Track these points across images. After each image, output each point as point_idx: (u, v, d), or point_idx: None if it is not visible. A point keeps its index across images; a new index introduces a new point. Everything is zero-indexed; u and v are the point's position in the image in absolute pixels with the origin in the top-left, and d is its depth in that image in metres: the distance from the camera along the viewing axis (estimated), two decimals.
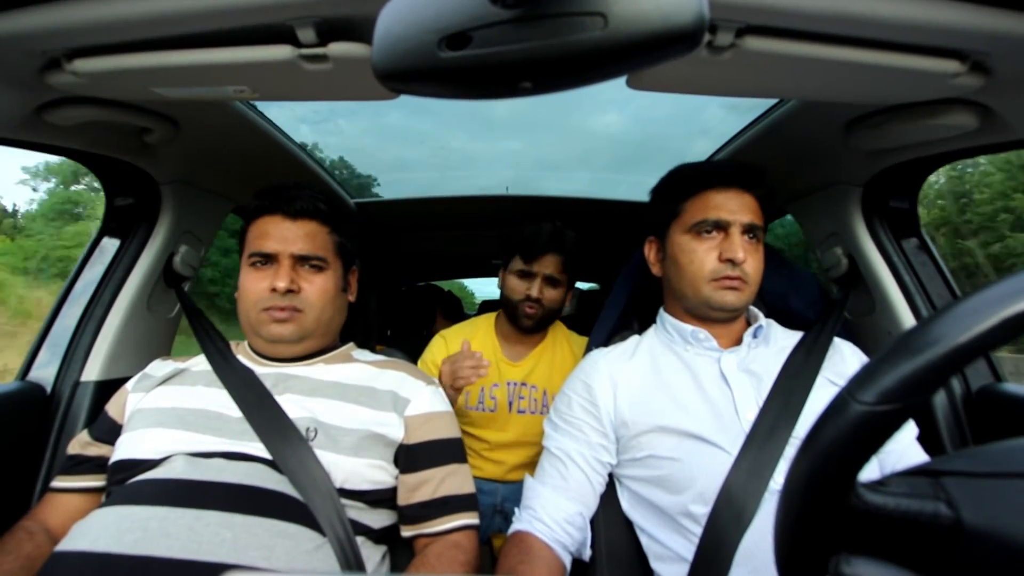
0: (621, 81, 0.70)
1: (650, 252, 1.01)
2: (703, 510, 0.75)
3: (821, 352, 0.87)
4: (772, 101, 1.07)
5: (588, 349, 1.12)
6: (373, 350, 1.05)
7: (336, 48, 0.62)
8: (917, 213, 1.14)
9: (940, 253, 1.13)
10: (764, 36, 0.61)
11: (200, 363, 0.92)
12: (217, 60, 0.65)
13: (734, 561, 0.70)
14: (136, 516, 0.66)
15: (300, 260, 0.89)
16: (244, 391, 0.84)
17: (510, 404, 1.37)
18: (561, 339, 1.47)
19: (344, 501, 0.77)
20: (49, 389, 1.04)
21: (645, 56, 0.33)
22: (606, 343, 1.06)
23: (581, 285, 3.35)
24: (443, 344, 1.44)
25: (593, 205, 1.94)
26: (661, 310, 1.01)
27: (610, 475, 0.91)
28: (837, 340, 0.92)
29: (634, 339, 1.00)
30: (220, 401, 0.83)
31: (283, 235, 0.89)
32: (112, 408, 0.90)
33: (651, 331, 1.01)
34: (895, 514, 0.31)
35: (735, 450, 0.77)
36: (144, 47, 0.65)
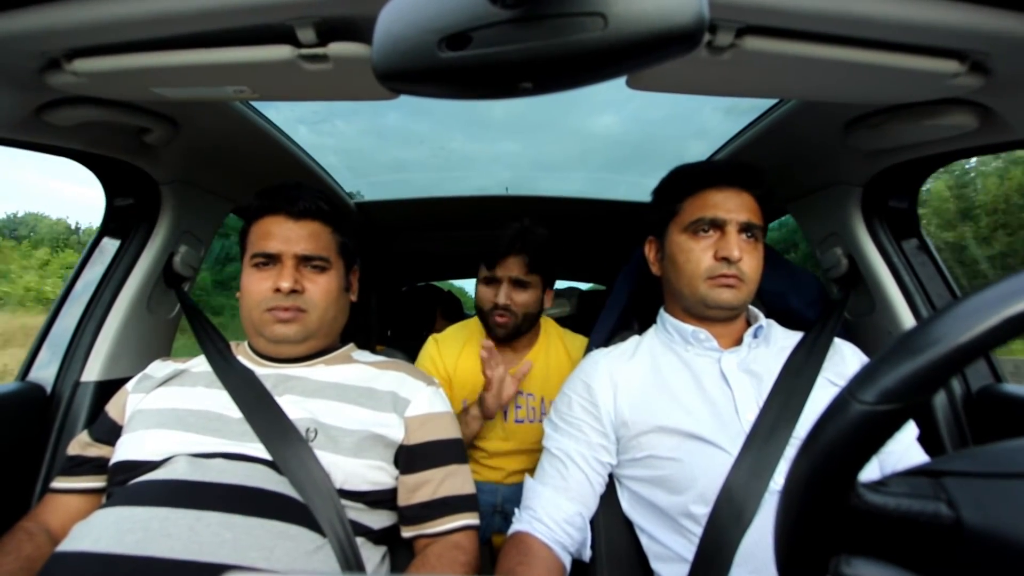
0: (619, 82, 0.70)
1: (650, 252, 1.01)
2: (703, 510, 0.75)
3: (821, 352, 0.87)
4: (771, 101, 1.07)
5: (588, 349, 1.12)
6: (373, 351, 1.05)
7: (336, 48, 0.62)
8: (917, 213, 1.14)
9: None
10: (764, 36, 0.61)
11: (200, 364, 0.92)
12: (217, 60, 0.65)
13: (734, 561, 0.70)
14: (137, 517, 0.66)
15: (303, 260, 0.89)
16: (244, 392, 0.84)
17: (506, 414, 1.33)
18: (555, 341, 1.42)
19: (344, 502, 0.77)
20: (49, 389, 1.04)
21: (645, 56, 0.33)
22: (606, 343, 1.06)
23: (581, 285, 3.35)
24: (435, 347, 1.41)
25: (591, 205, 1.94)
26: (661, 310, 1.01)
27: (610, 475, 0.91)
28: (837, 340, 0.92)
29: (634, 339, 1.00)
30: (220, 402, 0.83)
31: (286, 235, 0.88)
32: (112, 409, 0.89)
33: (651, 331, 1.01)
34: (895, 514, 0.31)
35: (735, 450, 0.77)
36: (144, 47, 0.65)
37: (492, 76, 0.34)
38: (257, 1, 0.56)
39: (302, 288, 0.88)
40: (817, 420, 0.33)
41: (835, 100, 0.78)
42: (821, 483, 0.32)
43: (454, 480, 0.87)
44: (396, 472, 0.86)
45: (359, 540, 0.77)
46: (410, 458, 0.86)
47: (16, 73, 0.69)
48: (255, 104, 1.09)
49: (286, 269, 0.87)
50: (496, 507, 1.33)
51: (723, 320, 0.91)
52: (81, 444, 0.87)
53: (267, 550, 0.66)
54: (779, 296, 1.10)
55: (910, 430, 0.85)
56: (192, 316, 1.13)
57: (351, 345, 1.02)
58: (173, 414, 0.82)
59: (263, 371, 0.89)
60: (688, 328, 0.92)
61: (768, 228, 0.97)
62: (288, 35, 0.61)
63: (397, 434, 0.86)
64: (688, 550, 0.76)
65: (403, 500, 0.84)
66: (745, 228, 0.87)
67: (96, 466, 0.84)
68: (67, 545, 0.65)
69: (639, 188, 1.90)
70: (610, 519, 0.89)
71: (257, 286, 0.88)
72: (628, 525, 0.88)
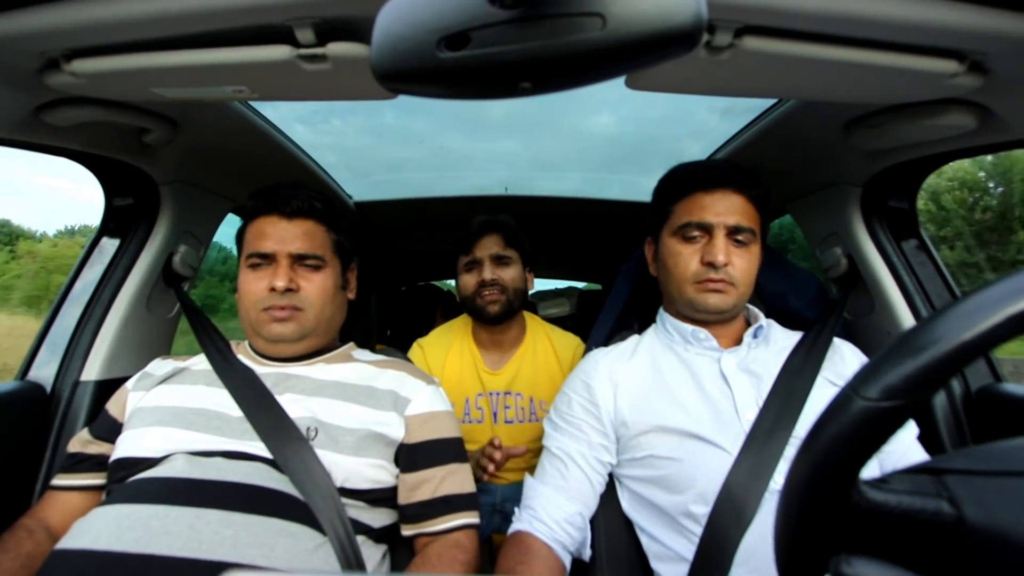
0: (616, 82, 0.70)
1: (648, 252, 1.01)
2: (703, 510, 0.75)
3: (821, 352, 0.87)
4: (770, 101, 1.07)
5: (588, 349, 1.12)
6: (373, 350, 1.05)
7: (335, 48, 0.62)
8: (916, 213, 1.14)
9: None
10: (763, 36, 0.61)
11: (200, 362, 0.92)
12: (216, 60, 0.65)
13: (734, 561, 0.70)
14: (137, 514, 0.66)
15: (298, 259, 0.89)
16: (244, 390, 0.84)
17: (495, 415, 1.33)
18: (541, 338, 1.41)
19: (344, 500, 0.77)
20: (49, 388, 1.04)
21: (644, 56, 0.33)
22: (606, 343, 1.06)
23: (580, 285, 3.35)
24: (420, 353, 1.40)
25: (590, 205, 1.94)
26: (661, 310, 1.01)
27: (610, 475, 0.91)
28: (837, 340, 0.92)
29: (634, 339, 1.00)
30: (220, 400, 0.83)
31: (280, 235, 0.89)
32: (112, 407, 0.90)
33: (651, 331, 1.01)
34: (897, 512, 0.31)
35: (735, 450, 0.77)
36: (143, 47, 0.64)
37: (491, 76, 0.34)
38: (256, 1, 0.56)
39: (297, 287, 0.88)
40: (819, 417, 0.33)
41: (834, 100, 0.78)
42: (823, 480, 0.32)
43: (454, 479, 0.87)
44: (396, 470, 0.86)
45: (359, 538, 0.77)
46: (410, 456, 0.86)
47: (15, 73, 0.69)
48: (254, 104, 1.09)
49: (281, 268, 0.87)
50: (496, 506, 1.33)
51: (716, 322, 0.92)
52: (81, 442, 0.87)
53: (267, 548, 0.66)
54: (779, 296, 1.10)
55: (910, 430, 0.86)
56: (192, 315, 1.13)
57: (351, 344, 1.02)
58: (173, 412, 0.82)
59: (263, 370, 0.89)
60: (688, 328, 0.92)
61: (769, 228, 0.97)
62: (287, 35, 0.61)
63: (397, 432, 0.86)
64: (688, 550, 0.76)
65: (403, 499, 0.85)
66: (734, 231, 0.87)
67: (96, 463, 0.85)
68: (67, 543, 0.65)
69: (637, 187, 1.91)
70: (610, 519, 0.89)
71: (253, 286, 0.88)
72: (628, 525, 0.88)
